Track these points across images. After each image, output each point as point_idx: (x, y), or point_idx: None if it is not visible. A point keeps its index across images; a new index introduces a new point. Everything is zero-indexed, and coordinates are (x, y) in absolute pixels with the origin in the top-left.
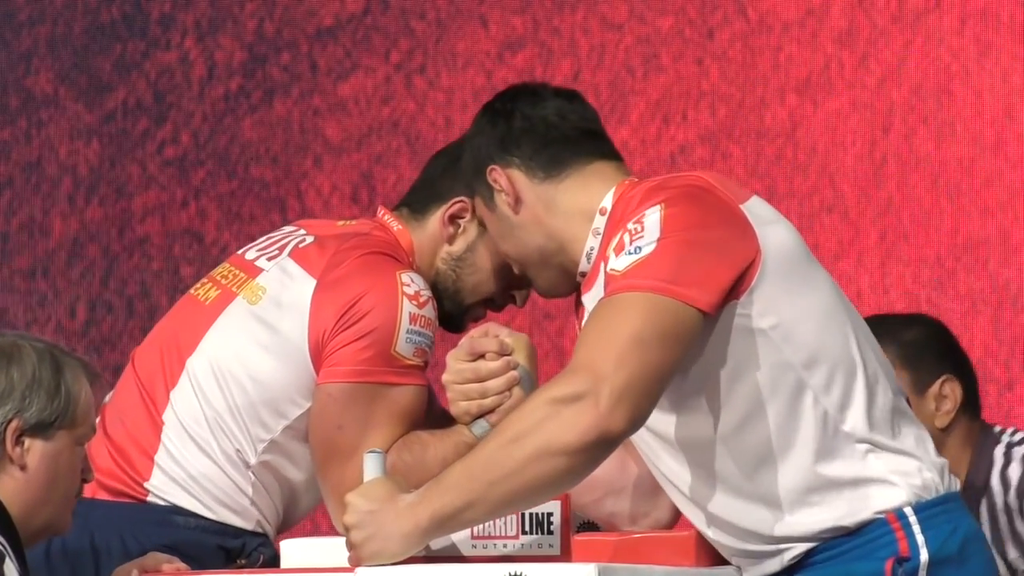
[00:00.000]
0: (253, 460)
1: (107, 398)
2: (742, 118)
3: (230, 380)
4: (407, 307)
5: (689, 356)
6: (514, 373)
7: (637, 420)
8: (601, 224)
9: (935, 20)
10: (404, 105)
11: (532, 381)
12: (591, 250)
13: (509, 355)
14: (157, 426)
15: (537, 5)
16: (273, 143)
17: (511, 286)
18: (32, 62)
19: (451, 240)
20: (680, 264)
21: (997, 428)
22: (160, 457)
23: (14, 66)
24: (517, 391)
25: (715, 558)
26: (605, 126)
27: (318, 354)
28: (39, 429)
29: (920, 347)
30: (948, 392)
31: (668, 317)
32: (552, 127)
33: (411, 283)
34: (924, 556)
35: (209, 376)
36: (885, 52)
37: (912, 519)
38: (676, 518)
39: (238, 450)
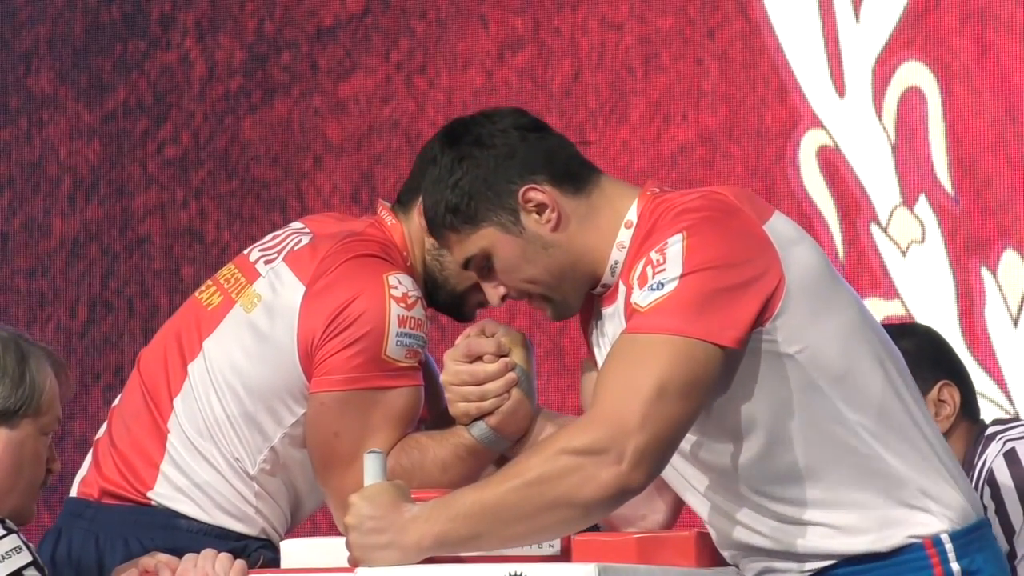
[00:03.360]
0: (253, 469)
1: (116, 401)
2: (742, 118)
3: (226, 389)
4: (395, 310)
5: (715, 390)
6: (512, 375)
7: (656, 474)
8: (627, 237)
9: (935, 20)
10: (404, 105)
11: (530, 380)
12: (616, 264)
13: (506, 355)
14: (162, 434)
15: (537, 5)
16: (273, 143)
17: None
18: (32, 62)
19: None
20: (704, 302)
21: (996, 427)
22: (165, 466)
23: (14, 66)
24: (516, 392)
25: (715, 558)
26: (605, 126)
27: (308, 361)
28: (3, 417)
29: (915, 355)
30: (946, 397)
31: (693, 362)
32: (559, 144)
33: (399, 285)
34: None
35: (208, 385)
36: (885, 52)
37: (948, 547)
38: (674, 519)
39: (238, 459)
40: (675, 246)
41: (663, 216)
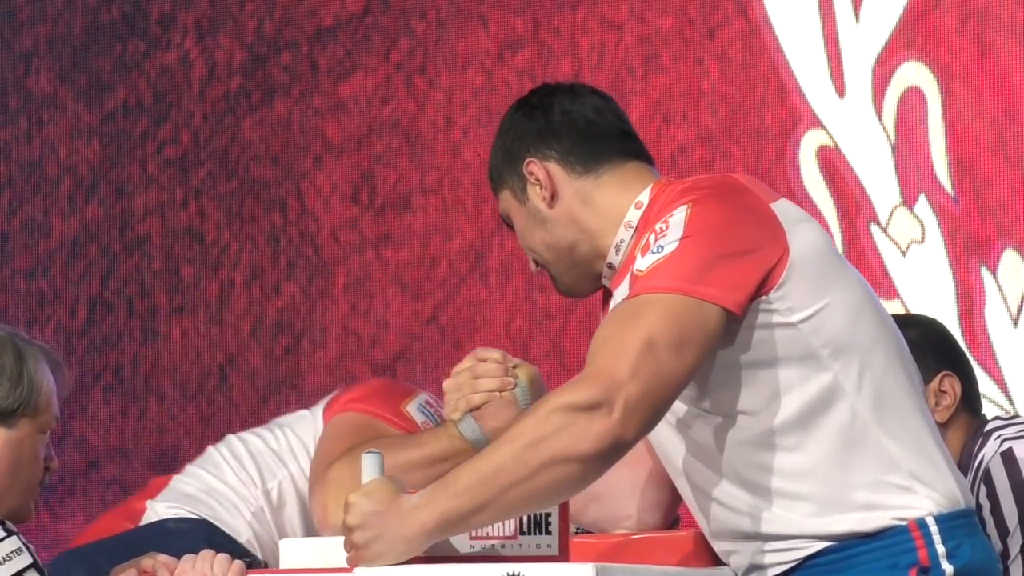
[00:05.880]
0: (271, 485)
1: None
2: (742, 118)
3: (243, 452)
4: (422, 395)
5: (713, 353)
6: (508, 379)
7: (649, 427)
8: (635, 217)
9: (935, 20)
10: (404, 105)
11: (526, 396)
12: (621, 242)
13: (511, 367)
14: (166, 478)
15: (537, 5)
16: (273, 143)
17: None
18: (32, 62)
19: None
20: (703, 262)
21: (996, 423)
22: (168, 488)
23: (14, 66)
24: (507, 395)
25: (714, 558)
26: None
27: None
28: (1, 417)
29: (919, 345)
30: (947, 388)
31: (687, 320)
32: (591, 123)
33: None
34: (948, 567)
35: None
36: (885, 52)
37: (933, 529)
38: (665, 517)
39: (251, 484)
40: (679, 215)
41: (670, 194)
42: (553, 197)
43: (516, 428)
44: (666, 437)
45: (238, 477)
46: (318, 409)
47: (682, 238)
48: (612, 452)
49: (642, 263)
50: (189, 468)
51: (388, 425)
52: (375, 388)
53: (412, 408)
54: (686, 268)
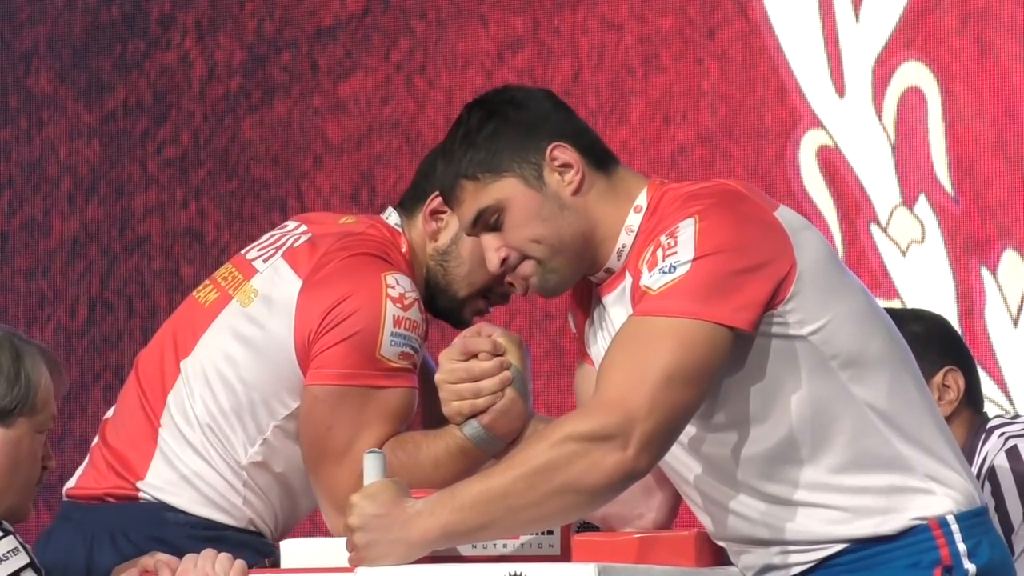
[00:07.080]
0: (245, 460)
1: (109, 413)
2: (742, 118)
3: (219, 382)
4: (391, 310)
5: (726, 371)
6: (507, 373)
7: (661, 457)
8: (636, 221)
9: (935, 20)
10: (404, 105)
11: (524, 381)
12: (623, 247)
13: (502, 355)
14: (154, 429)
15: (537, 5)
16: (273, 143)
17: (505, 272)
18: (32, 62)
19: (435, 236)
20: (717, 284)
21: (998, 420)
22: (156, 459)
23: (14, 66)
24: (509, 391)
25: (715, 558)
26: (605, 126)
27: (304, 354)
28: None
29: (924, 339)
30: (951, 383)
31: (703, 347)
32: (587, 125)
33: (396, 285)
34: (970, 566)
35: (201, 378)
36: (885, 52)
37: (954, 527)
38: (671, 518)
39: (230, 451)
40: (687, 230)
41: (672, 202)
42: (582, 183)
43: (528, 451)
44: (674, 448)
45: (222, 458)
46: (288, 335)
47: (694, 259)
48: (622, 484)
49: (651, 280)
50: (174, 443)
51: (375, 390)
52: (351, 336)
53: (386, 350)
54: (700, 290)
